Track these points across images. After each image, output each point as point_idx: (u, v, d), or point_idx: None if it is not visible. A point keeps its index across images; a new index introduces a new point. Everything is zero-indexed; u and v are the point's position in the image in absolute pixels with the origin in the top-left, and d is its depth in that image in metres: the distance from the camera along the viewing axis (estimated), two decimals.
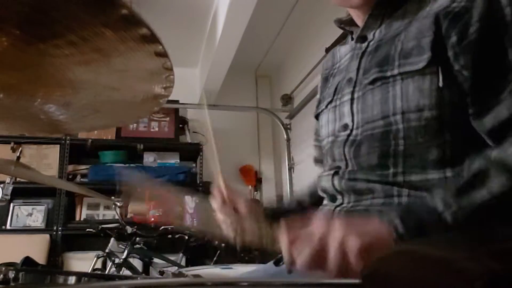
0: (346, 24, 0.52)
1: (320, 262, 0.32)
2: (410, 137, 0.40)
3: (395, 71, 0.41)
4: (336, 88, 0.50)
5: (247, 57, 2.28)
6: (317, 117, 0.56)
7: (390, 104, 0.41)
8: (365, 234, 0.32)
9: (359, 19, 0.50)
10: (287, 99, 2.33)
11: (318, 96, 0.58)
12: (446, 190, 0.34)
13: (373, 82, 0.44)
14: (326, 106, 0.51)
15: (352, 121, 0.45)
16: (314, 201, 0.56)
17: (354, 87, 0.46)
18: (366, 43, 0.48)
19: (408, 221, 0.33)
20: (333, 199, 0.47)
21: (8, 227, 1.87)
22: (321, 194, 0.50)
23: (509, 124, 0.36)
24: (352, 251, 0.31)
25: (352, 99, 0.46)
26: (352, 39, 0.52)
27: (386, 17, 0.47)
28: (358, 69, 0.47)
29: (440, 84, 0.39)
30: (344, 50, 0.54)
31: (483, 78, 0.38)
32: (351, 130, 0.45)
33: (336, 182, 0.45)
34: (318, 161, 0.61)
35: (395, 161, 0.40)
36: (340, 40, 1.78)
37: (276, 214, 0.52)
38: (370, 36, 0.48)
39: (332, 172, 0.46)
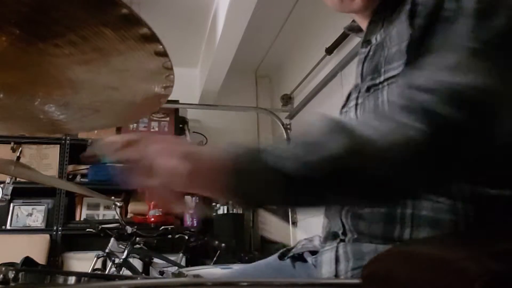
0: (356, 30, 0.52)
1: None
2: None
3: (382, 78, 0.42)
4: (349, 94, 0.50)
5: (247, 57, 2.28)
6: None
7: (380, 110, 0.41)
8: (201, 162, 0.31)
9: (363, 24, 0.50)
10: (287, 99, 2.34)
11: None
12: (293, 143, 0.32)
13: (367, 89, 0.44)
14: (340, 112, 0.51)
15: None
16: None
17: (359, 92, 0.47)
18: (368, 48, 0.48)
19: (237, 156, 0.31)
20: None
21: (8, 227, 1.87)
22: None
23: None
24: (184, 175, 0.30)
25: (356, 105, 0.46)
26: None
27: (386, 20, 0.46)
28: (361, 74, 0.47)
29: None
30: (357, 58, 0.54)
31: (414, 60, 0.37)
32: None
33: None
34: None
35: None
36: (340, 40, 1.78)
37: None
38: (373, 40, 0.47)
39: None
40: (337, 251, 0.43)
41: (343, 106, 0.50)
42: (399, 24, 0.41)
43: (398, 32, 0.41)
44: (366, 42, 0.48)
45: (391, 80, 0.41)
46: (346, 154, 0.30)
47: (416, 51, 0.38)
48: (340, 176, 0.31)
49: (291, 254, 0.50)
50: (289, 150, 0.32)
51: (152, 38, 0.33)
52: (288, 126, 2.26)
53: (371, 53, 0.47)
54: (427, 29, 0.37)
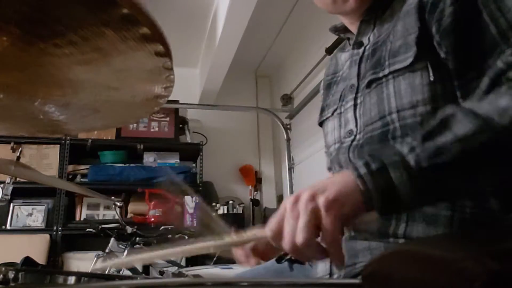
0: (342, 31, 0.53)
1: (297, 231, 0.30)
2: (407, 134, 0.40)
3: (386, 71, 0.42)
4: (341, 96, 0.50)
5: (247, 57, 2.28)
6: (321, 124, 0.56)
7: (385, 104, 0.42)
8: (329, 187, 0.31)
9: (353, 25, 0.50)
10: (287, 99, 2.34)
11: (321, 103, 0.58)
12: (414, 135, 0.33)
13: (368, 85, 0.44)
14: (332, 114, 0.51)
15: (356, 126, 0.46)
16: None
17: (357, 92, 0.47)
18: (362, 48, 0.48)
19: (371, 164, 0.31)
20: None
21: (8, 227, 1.87)
22: None
23: (490, 91, 0.36)
24: (321, 209, 0.30)
25: (355, 105, 0.46)
26: (350, 45, 0.52)
27: (378, 20, 0.47)
28: (358, 74, 0.47)
29: (431, 78, 0.39)
30: (344, 57, 0.54)
31: (464, 60, 0.38)
32: (355, 135, 0.45)
33: None
34: (330, 169, 0.60)
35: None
36: (340, 41, 1.77)
37: None
38: (365, 41, 0.48)
39: None
40: None
41: (336, 109, 0.50)
42: (406, 18, 0.42)
43: (404, 26, 0.41)
44: (357, 43, 0.49)
45: (397, 73, 0.41)
46: (476, 132, 0.30)
47: (429, 43, 0.38)
48: (472, 154, 0.31)
49: (288, 256, 0.50)
50: (414, 141, 0.32)
51: (152, 38, 0.32)
52: (288, 126, 2.26)
53: (366, 53, 0.47)
54: (456, 14, 0.37)
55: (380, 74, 0.42)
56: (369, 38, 0.48)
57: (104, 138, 2.08)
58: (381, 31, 0.46)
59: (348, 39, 0.53)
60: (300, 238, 0.30)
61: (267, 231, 0.33)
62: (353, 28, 0.50)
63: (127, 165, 2.07)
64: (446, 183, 0.31)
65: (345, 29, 0.52)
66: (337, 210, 0.30)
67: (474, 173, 0.32)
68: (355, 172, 0.31)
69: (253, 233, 0.35)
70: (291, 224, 0.31)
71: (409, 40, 0.40)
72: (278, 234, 0.32)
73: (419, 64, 0.40)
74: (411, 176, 0.31)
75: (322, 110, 0.55)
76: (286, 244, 0.31)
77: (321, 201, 0.30)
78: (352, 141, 0.45)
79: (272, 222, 0.32)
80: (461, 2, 0.38)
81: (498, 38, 0.36)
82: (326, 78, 0.58)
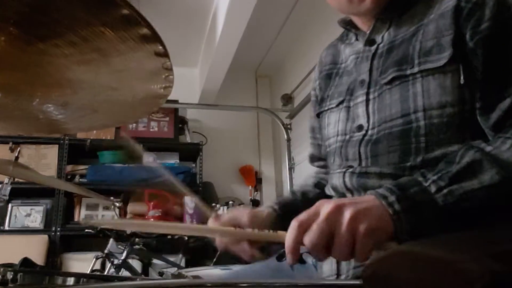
0: (351, 25, 0.52)
1: (326, 243, 0.32)
2: (432, 133, 0.40)
3: (415, 69, 0.42)
4: (348, 89, 0.50)
5: (247, 57, 2.28)
6: (319, 115, 0.55)
7: (410, 102, 0.42)
8: (370, 216, 0.33)
9: (364, 25, 0.50)
10: (287, 99, 2.33)
11: (316, 92, 0.57)
12: (439, 174, 0.35)
13: (391, 81, 0.44)
14: (337, 106, 0.50)
15: (368, 122, 0.45)
16: (320, 191, 0.56)
17: (369, 88, 0.46)
18: (375, 46, 0.48)
19: (404, 201, 0.34)
20: (343, 197, 0.47)
21: (6, 227, 1.86)
22: (330, 192, 0.50)
23: (509, 114, 0.38)
24: (360, 232, 0.32)
25: (367, 100, 0.46)
26: (357, 40, 0.52)
27: (394, 20, 0.47)
28: (370, 70, 0.47)
29: (462, 81, 0.40)
30: (349, 51, 0.54)
31: (491, 74, 0.39)
32: (366, 131, 0.45)
33: (347, 179, 0.45)
34: (315, 158, 0.61)
35: (415, 157, 0.41)
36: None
37: (286, 214, 0.52)
38: (378, 39, 0.48)
39: (343, 170, 0.46)
40: None
41: (342, 102, 0.50)
42: (440, 20, 0.42)
43: (438, 27, 0.42)
44: (370, 41, 0.49)
45: (428, 72, 0.41)
46: (501, 183, 0.33)
47: (463, 47, 0.39)
48: (495, 200, 0.34)
49: (296, 253, 0.50)
50: (441, 182, 0.34)
51: (152, 38, 0.32)
52: (288, 126, 2.26)
53: (380, 51, 0.47)
54: (493, 29, 0.38)
55: (408, 72, 0.42)
56: (382, 37, 0.48)
57: (103, 138, 2.08)
58: (399, 31, 0.46)
59: (357, 34, 0.52)
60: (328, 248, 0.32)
61: (295, 226, 0.33)
62: (364, 27, 0.50)
63: (126, 165, 2.07)
64: (467, 223, 0.34)
65: (354, 25, 0.52)
66: (374, 238, 0.32)
67: (494, 219, 0.34)
68: (390, 208, 0.34)
69: (272, 233, 0.36)
70: (322, 230, 0.32)
71: (443, 41, 0.41)
72: (303, 231, 0.33)
73: (451, 66, 0.40)
74: (438, 215, 0.33)
75: (322, 100, 0.55)
76: (308, 242, 0.32)
77: (363, 227, 0.32)
78: (364, 135, 0.45)
79: (303, 218, 0.33)
80: (499, 18, 0.39)
81: None
82: (324, 67, 0.57)
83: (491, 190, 0.33)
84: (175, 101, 2.14)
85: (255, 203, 2.29)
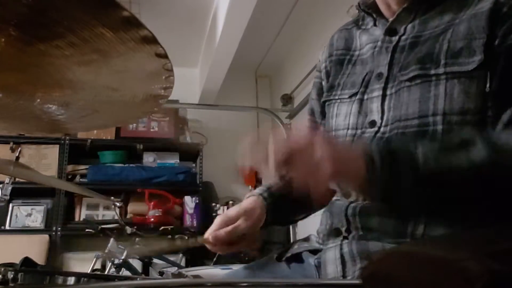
0: (372, 8, 0.48)
1: (290, 163, 0.32)
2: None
3: (441, 70, 0.40)
4: (363, 81, 0.47)
5: (247, 57, 2.28)
6: (325, 102, 0.52)
7: (430, 103, 0.39)
8: (340, 161, 0.32)
9: (389, 9, 0.47)
10: (287, 99, 2.33)
11: (322, 76, 0.54)
12: (431, 144, 0.34)
13: (412, 79, 0.41)
14: (350, 97, 0.48)
15: (381, 118, 0.43)
16: None
17: (387, 83, 0.44)
18: (397, 37, 0.45)
19: (383, 152, 0.34)
20: (347, 194, 0.46)
21: (7, 227, 1.87)
22: (334, 187, 0.48)
23: (509, 129, 0.37)
24: (325, 155, 0.32)
25: (383, 96, 0.44)
26: (375, 25, 0.49)
27: (420, 13, 0.45)
28: (390, 64, 0.44)
29: (487, 89, 0.38)
30: (366, 39, 0.50)
31: (504, 85, 0.38)
32: (379, 128, 0.43)
33: None
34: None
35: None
36: None
37: (275, 201, 0.52)
38: (400, 30, 0.45)
39: None
40: (341, 249, 0.42)
41: (355, 94, 0.47)
42: (472, 20, 0.40)
43: (470, 28, 0.40)
44: (391, 30, 0.46)
45: (453, 75, 0.39)
46: (490, 163, 0.32)
47: (494, 53, 0.38)
48: (478, 182, 0.33)
49: (288, 254, 0.50)
50: (431, 150, 0.34)
51: (152, 39, 0.32)
52: (288, 126, 2.26)
53: (402, 43, 0.44)
54: None
55: (432, 72, 0.40)
56: (405, 28, 0.44)
57: (104, 138, 2.08)
58: (425, 26, 0.43)
59: (375, 20, 0.48)
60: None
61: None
62: (388, 12, 0.46)
63: (127, 165, 2.07)
64: (443, 198, 0.33)
65: (376, 8, 0.48)
66: (335, 168, 0.32)
67: (471, 201, 0.33)
68: (367, 157, 0.34)
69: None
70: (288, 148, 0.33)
71: (474, 45, 0.39)
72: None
73: (479, 72, 0.38)
74: (414, 169, 0.32)
75: (331, 87, 0.51)
76: (276, 156, 0.32)
77: (327, 153, 0.32)
78: (376, 132, 0.43)
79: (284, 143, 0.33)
80: None
81: None
82: (336, 51, 0.53)
83: (477, 170, 0.32)
84: (176, 101, 2.14)
85: None
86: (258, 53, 2.35)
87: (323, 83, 0.55)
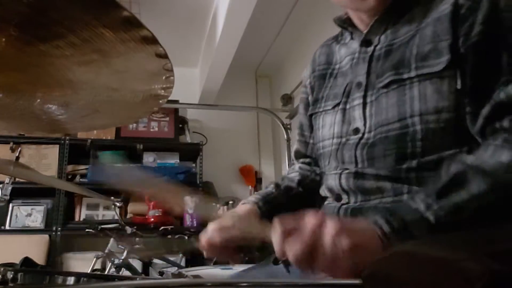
0: (348, 23, 0.52)
1: (310, 257, 0.32)
2: (428, 138, 0.40)
3: (413, 73, 0.42)
4: (344, 91, 0.49)
5: (247, 57, 2.28)
6: (312, 115, 0.55)
7: (407, 106, 0.41)
8: (355, 234, 0.32)
9: (362, 22, 0.50)
10: (287, 99, 2.34)
11: (308, 91, 0.57)
12: (426, 192, 0.35)
13: (388, 85, 0.44)
14: (333, 108, 0.50)
15: (364, 125, 0.45)
16: (302, 191, 0.56)
17: (366, 91, 0.46)
18: (372, 47, 0.48)
19: (392, 222, 0.34)
20: (338, 198, 0.47)
21: (7, 227, 1.87)
22: (326, 193, 0.50)
23: (490, 121, 0.38)
24: (343, 249, 0.31)
25: (364, 104, 0.46)
26: (352, 39, 0.52)
27: (392, 23, 0.47)
28: (368, 73, 0.47)
29: (458, 86, 0.39)
30: (344, 52, 0.53)
31: (478, 80, 0.39)
32: (363, 134, 0.45)
33: (343, 180, 0.45)
34: (300, 155, 0.61)
35: (411, 161, 0.41)
36: None
37: (270, 210, 0.52)
38: (375, 41, 0.48)
39: (340, 171, 0.46)
40: None
41: (338, 104, 0.49)
42: (437, 24, 0.42)
43: (435, 32, 0.42)
44: (366, 41, 0.48)
45: (425, 77, 0.41)
46: (489, 190, 0.33)
47: (459, 52, 0.39)
48: (488, 210, 0.33)
49: (284, 258, 0.50)
50: (429, 199, 0.34)
51: (152, 40, 0.32)
52: (288, 126, 2.26)
53: (377, 53, 0.47)
54: (484, 34, 0.38)
55: (405, 76, 0.42)
56: (379, 39, 0.47)
57: (104, 138, 2.08)
58: (397, 34, 0.46)
59: (352, 33, 0.52)
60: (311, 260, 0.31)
61: (276, 231, 0.33)
62: (362, 25, 0.49)
63: (127, 165, 2.07)
64: (462, 233, 0.33)
65: (350, 23, 0.51)
66: (358, 256, 0.31)
67: (491, 228, 0.34)
68: (379, 230, 0.33)
69: (257, 228, 0.36)
70: (306, 243, 0.32)
71: (440, 47, 0.40)
72: (287, 239, 0.32)
73: (449, 71, 0.40)
74: (432, 233, 0.33)
75: (316, 101, 0.54)
76: (290, 253, 0.32)
77: (346, 242, 0.31)
78: (360, 139, 0.45)
79: (288, 227, 0.33)
80: (489, 24, 0.38)
81: (506, 69, 0.37)
82: (318, 67, 0.57)
83: (481, 198, 0.33)
84: (176, 101, 2.14)
85: None
86: (258, 53, 2.35)
87: (309, 98, 0.57)
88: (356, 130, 0.46)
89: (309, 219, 0.32)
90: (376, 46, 0.48)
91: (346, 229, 0.32)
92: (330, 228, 0.32)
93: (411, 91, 0.41)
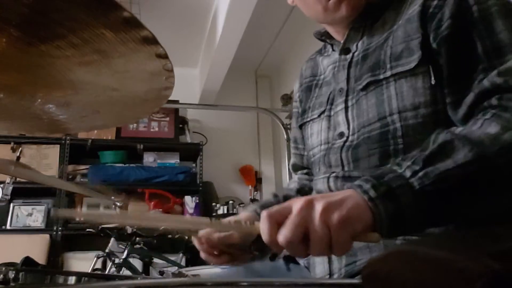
0: (326, 36, 0.54)
1: (303, 240, 0.31)
2: (408, 135, 0.41)
3: (388, 73, 0.43)
4: (328, 99, 0.51)
5: (247, 57, 2.28)
6: (301, 126, 0.56)
7: (385, 105, 0.42)
8: (342, 206, 0.32)
9: (338, 34, 0.52)
10: (287, 99, 2.34)
11: (298, 104, 0.59)
12: (413, 159, 0.35)
13: (366, 87, 0.45)
14: (319, 116, 0.52)
15: (348, 128, 0.47)
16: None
17: (347, 96, 0.48)
18: (350, 54, 0.50)
19: (378, 187, 0.33)
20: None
21: (8, 227, 1.87)
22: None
23: (475, 107, 0.38)
24: (334, 224, 0.31)
25: (346, 108, 0.47)
26: (334, 50, 0.54)
27: (367, 29, 0.49)
28: (347, 78, 0.48)
29: (433, 82, 0.40)
30: (327, 62, 0.55)
31: (455, 71, 0.40)
32: (347, 137, 0.46)
33: (331, 183, 0.46)
34: (298, 167, 0.62)
35: (395, 159, 0.41)
36: None
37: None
38: (353, 48, 0.50)
39: (327, 175, 0.47)
40: None
41: (323, 112, 0.51)
42: (407, 24, 0.43)
43: (406, 32, 0.43)
44: (345, 49, 0.50)
45: (400, 75, 0.42)
46: (474, 160, 0.33)
47: (430, 48, 0.40)
48: (473, 180, 0.33)
49: (282, 255, 0.51)
50: (416, 166, 0.34)
51: (152, 40, 0.33)
52: (288, 126, 2.26)
53: (355, 59, 0.49)
54: (453, 27, 0.39)
55: (381, 76, 0.43)
56: (357, 45, 0.49)
57: (104, 138, 2.08)
58: (372, 39, 0.47)
59: (332, 45, 0.54)
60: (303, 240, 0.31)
61: (265, 217, 0.32)
62: (339, 36, 0.52)
63: (127, 165, 2.07)
64: (449, 207, 0.33)
65: (329, 35, 0.54)
66: (349, 228, 0.31)
67: (476, 199, 0.34)
68: (365, 195, 0.33)
69: (244, 222, 0.36)
70: (295, 224, 0.31)
71: (412, 45, 0.42)
72: (275, 225, 0.32)
73: (421, 68, 0.41)
74: (417, 199, 0.32)
75: (304, 112, 0.56)
76: (282, 238, 0.31)
77: (335, 217, 0.31)
78: (344, 142, 0.46)
79: (274, 214, 0.32)
80: (458, 17, 0.40)
81: (483, 57, 0.38)
82: (304, 80, 0.59)
83: (467, 168, 0.32)
84: (176, 101, 2.14)
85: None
86: (258, 53, 2.35)
87: (299, 110, 0.59)
88: (341, 134, 0.47)
89: (295, 203, 0.32)
90: (354, 52, 0.49)
91: (332, 203, 0.31)
92: (317, 206, 0.31)
93: (388, 90, 0.43)
